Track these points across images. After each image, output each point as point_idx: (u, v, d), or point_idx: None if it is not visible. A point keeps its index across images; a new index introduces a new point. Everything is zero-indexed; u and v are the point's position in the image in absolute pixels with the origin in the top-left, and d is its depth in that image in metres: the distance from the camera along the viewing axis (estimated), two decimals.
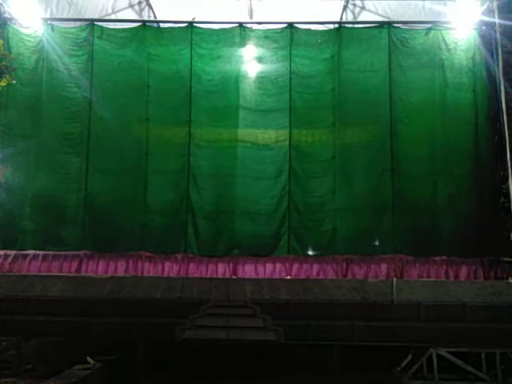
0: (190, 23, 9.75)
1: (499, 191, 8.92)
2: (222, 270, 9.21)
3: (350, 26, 10.05)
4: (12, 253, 9.09)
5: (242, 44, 9.70)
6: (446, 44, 9.45)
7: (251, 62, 9.73)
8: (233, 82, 9.53)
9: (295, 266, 9.17)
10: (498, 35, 8.97)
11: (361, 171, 9.28)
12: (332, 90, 9.45)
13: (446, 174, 9.16)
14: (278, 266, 9.20)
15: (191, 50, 9.62)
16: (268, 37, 9.70)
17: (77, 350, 7.76)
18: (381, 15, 10.78)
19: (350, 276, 8.98)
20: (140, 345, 8.35)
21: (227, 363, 8.08)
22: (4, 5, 9.57)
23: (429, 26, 9.57)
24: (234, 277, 9.02)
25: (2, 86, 8.48)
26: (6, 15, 9.64)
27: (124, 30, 9.83)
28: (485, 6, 9.21)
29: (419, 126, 9.33)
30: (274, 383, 8.16)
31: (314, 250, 9.14)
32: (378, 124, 9.37)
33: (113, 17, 10.96)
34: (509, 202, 8.56)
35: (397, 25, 9.72)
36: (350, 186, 9.24)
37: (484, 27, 9.42)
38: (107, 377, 7.62)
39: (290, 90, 9.44)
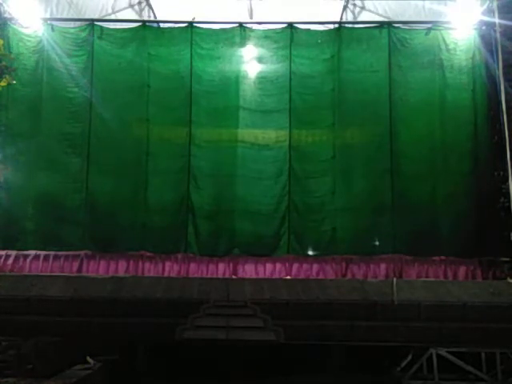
0: (190, 23, 9.76)
1: (499, 191, 8.91)
2: (222, 269, 9.22)
3: (350, 26, 10.05)
4: (13, 253, 9.12)
5: (242, 44, 9.70)
6: (446, 44, 9.45)
7: (251, 63, 9.73)
8: (233, 82, 9.53)
9: (295, 266, 9.18)
10: (497, 35, 8.98)
11: (360, 171, 9.29)
12: (332, 90, 9.45)
13: (445, 174, 9.17)
14: (278, 265, 9.21)
15: (191, 50, 9.62)
16: (268, 37, 9.70)
17: (77, 350, 7.76)
18: (381, 15, 10.78)
19: (349, 276, 8.99)
20: (140, 345, 8.38)
21: (227, 363, 8.09)
22: (4, 5, 9.58)
23: (429, 26, 9.57)
24: (234, 277, 9.02)
25: (3, 86, 8.47)
26: (6, 15, 9.64)
27: (124, 30, 9.83)
28: (485, 6, 9.21)
29: (419, 126, 9.33)
30: (274, 383, 8.16)
31: (313, 249, 9.15)
32: (378, 124, 9.38)
33: (113, 17, 10.97)
34: (509, 202, 8.56)
35: (397, 25, 9.72)
36: (350, 186, 9.25)
37: (484, 27, 9.42)
38: (107, 377, 7.63)
39: (290, 90, 9.44)
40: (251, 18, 11.14)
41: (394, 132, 9.27)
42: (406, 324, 7.45)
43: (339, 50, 9.54)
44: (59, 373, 7.13)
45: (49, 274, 8.87)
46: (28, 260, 9.13)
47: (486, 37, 9.35)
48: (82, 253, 9.19)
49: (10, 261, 9.08)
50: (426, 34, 9.53)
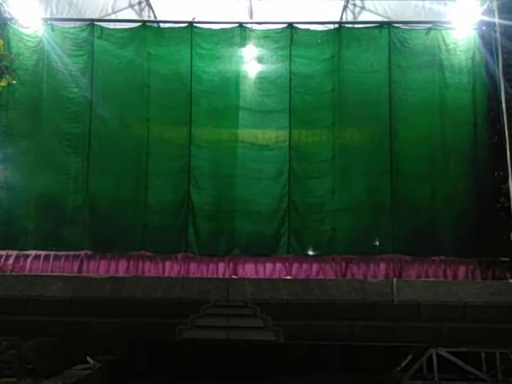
0: (190, 23, 9.75)
1: (499, 191, 8.90)
2: (222, 269, 9.22)
3: (349, 26, 10.03)
4: (13, 253, 9.11)
5: (242, 44, 9.69)
6: (446, 44, 9.44)
7: (251, 63, 9.72)
8: (233, 82, 9.53)
9: (295, 266, 9.18)
10: (498, 35, 8.96)
11: (360, 171, 9.27)
12: (332, 90, 9.45)
13: (445, 174, 9.16)
14: (278, 265, 9.21)
15: (191, 50, 9.62)
16: (268, 37, 9.69)
17: (77, 350, 7.76)
18: (381, 15, 10.77)
19: (349, 276, 8.99)
20: (140, 345, 8.38)
21: (227, 363, 8.09)
22: (4, 5, 9.57)
23: (429, 26, 9.55)
24: (234, 277, 9.03)
25: (2, 86, 8.48)
26: (6, 15, 9.64)
27: (124, 30, 9.82)
28: (485, 6, 9.19)
29: (419, 126, 9.32)
30: (274, 383, 8.17)
31: (313, 249, 9.15)
32: (378, 124, 9.37)
33: (113, 17, 10.95)
34: (509, 201, 8.56)
35: (397, 25, 9.69)
36: (350, 187, 9.24)
37: (484, 27, 9.40)
38: (107, 377, 7.63)
39: (290, 90, 9.43)
40: (251, 18, 11.12)
41: (393, 132, 9.26)
42: (406, 324, 7.44)
43: (339, 50, 9.53)
44: (59, 373, 7.13)
45: (49, 274, 8.88)
46: (28, 260, 9.12)
47: (486, 37, 9.33)
48: (82, 253, 9.18)
49: (11, 261, 9.07)
50: (426, 33, 9.52)
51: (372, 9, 10.93)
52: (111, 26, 9.90)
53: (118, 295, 7.61)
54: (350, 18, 11.25)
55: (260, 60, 9.72)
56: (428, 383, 7.34)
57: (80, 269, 9.14)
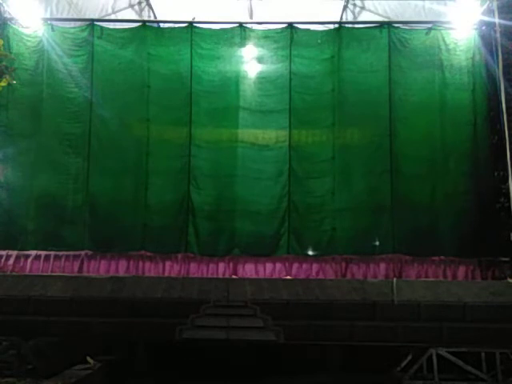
0: (190, 23, 9.76)
1: (499, 191, 8.90)
2: (222, 269, 9.23)
3: (349, 26, 10.04)
4: (14, 253, 9.12)
5: (242, 44, 9.69)
6: (446, 44, 9.45)
7: (251, 63, 9.73)
8: (233, 82, 9.53)
9: (295, 266, 9.19)
10: (498, 35, 8.96)
11: (360, 171, 9.28)
12: (332, 90, 9.45)
13: (445, 174, 9.17)
14: (278, 265, 9.22)
15: (191, 50, 9.63)
16: (268, 37, 9.70)
17: (77, 350, 7.76)
18: (381, 15, 10.77)
19: (349, 276, 8.99)
20: (140, 345, 8.38)
21: (227, 363, 8.09)
22: (4, 5, 9.58)
23: (429, 26, 9.56)
24: (234, 276, 9.03)
25: (2, 87, 8.47)
26: (6, 15, 9.65)
27: (124, 30, 9.83)
28: (485, 6, 9.21)
29: (419, 126, 9.33)
30: (274, 383, 8.17)
31: (313, 249, 9.15)
32: (378, 124, 9.37)
33: (113, 17, 10.96)
34: (509, 201, 8.56)
35: (397, 25, 9.70)
36: (350, 187, 9.25)
37: (484, 27, 9.41)
38: (107, 377, 7.63)
39: (290, 90, 9.44)
40: (251, 18, 11.12)
41: (393, 132, 9.26)
42: (406, 324, 7.44)
43: (339, 50, 9.53)
44: (59, 373, 7.13)
45: (49, 274, 8.89)
46: (29, 260, 9.14)
47: (486, 37, 9.34)
48: (82, 253, 9.20)
49: (11, 261, 9.09)
50: (426, 33, 9.53)
51: (372, 9, 10.93)
52: (111, 26, 9.91)
53: (118, 295, 7.61)
54: (350, 18, 11.25)
55: (260, 60, 9.73)
56: (428, 383, 7.34)
57: (80, 269, 9.15)
